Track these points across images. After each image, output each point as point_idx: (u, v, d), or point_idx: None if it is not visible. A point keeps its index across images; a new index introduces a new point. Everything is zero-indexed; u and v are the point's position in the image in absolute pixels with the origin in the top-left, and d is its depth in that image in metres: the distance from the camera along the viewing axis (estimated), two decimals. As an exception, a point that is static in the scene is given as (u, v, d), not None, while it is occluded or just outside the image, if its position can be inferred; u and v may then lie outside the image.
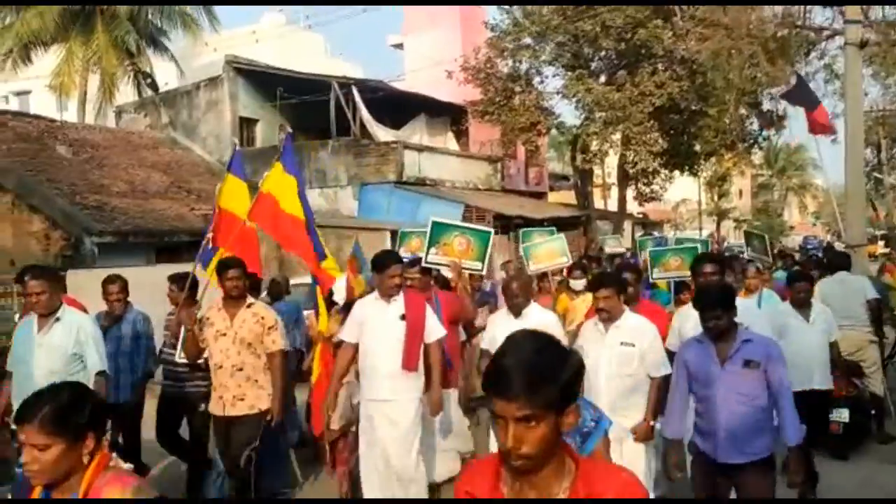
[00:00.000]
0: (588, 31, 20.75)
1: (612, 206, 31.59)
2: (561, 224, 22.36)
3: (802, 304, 6.43)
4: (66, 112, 23.40)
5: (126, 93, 24.23)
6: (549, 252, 9.97)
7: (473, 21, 24.73)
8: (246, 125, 22.21)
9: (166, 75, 25.71)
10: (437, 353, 5.59)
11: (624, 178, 25.28)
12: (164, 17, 24.55)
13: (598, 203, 31.45)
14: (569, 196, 29.96)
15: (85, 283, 10.73)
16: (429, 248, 6.81)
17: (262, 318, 5.49)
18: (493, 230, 7.04)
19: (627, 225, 26.95)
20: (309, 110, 21.05)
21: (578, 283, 8.43)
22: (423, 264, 6.70)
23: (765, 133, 25.29)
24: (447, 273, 7.14)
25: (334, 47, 36.28)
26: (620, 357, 4.91)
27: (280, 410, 5.50)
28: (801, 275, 7.03)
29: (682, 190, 40.76)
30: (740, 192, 58.99)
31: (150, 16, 24.27)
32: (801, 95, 11.33)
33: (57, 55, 23.23)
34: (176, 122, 22.03)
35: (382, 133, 21.26)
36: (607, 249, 17.03)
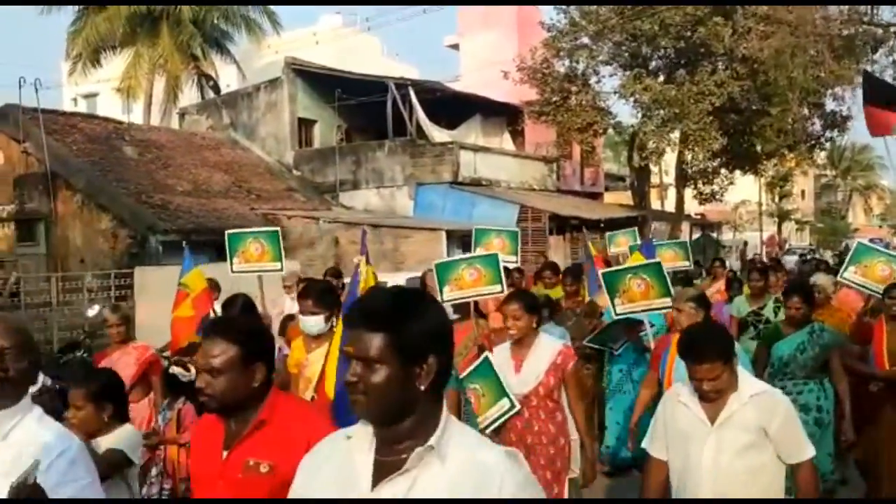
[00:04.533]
0: (646, 29, 20.52)
1: (669, 206, 31.16)
2: (616, 224, 22.24)
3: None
4: (131, 114, 24.12)
5: (189, 95, 24.85)
6: (479, 275, 5.64)
7: (530, 21, 24.63)
8: (304, 126, 22.56)
9: (228, 77, 26.28)
10: None
11: (682, 178, 24.94)
12: (227, 21, 25.09)
13: (655, 204, 31.03)
14: (624, 197, 29.66)
15: (151, 281, 11.11)
16: None
17: None
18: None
19: (685, 226, 26.54)
20: (366, 111, 21.28)
21: (312, 322, 4.33)
22: None
23: (827, 134, 24.73)
24: None
25: (391, 49, 36.49)
26: None
27: None
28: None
29: (743, 191, 39.94)
30: (803, 193, 57.52)
31: (215, 20, 24.81)
32: (876, 92, 10.86)
33: (125, 59, 23.96)
34: (237, 123, 22.49)
35: (438, 133, 21.36)
36: (612, 249, 10.82)
